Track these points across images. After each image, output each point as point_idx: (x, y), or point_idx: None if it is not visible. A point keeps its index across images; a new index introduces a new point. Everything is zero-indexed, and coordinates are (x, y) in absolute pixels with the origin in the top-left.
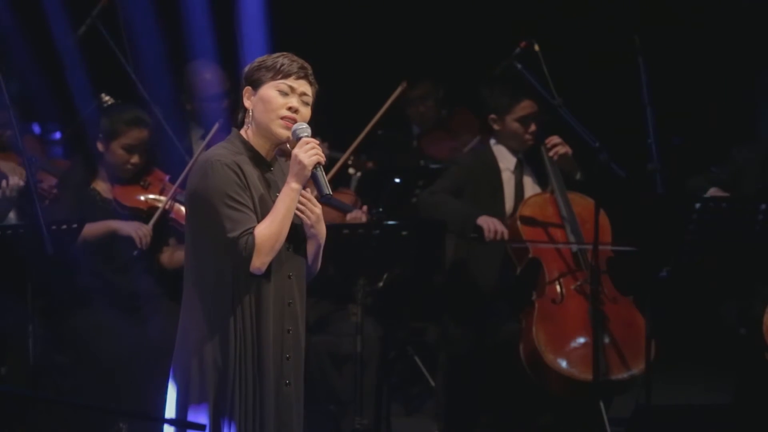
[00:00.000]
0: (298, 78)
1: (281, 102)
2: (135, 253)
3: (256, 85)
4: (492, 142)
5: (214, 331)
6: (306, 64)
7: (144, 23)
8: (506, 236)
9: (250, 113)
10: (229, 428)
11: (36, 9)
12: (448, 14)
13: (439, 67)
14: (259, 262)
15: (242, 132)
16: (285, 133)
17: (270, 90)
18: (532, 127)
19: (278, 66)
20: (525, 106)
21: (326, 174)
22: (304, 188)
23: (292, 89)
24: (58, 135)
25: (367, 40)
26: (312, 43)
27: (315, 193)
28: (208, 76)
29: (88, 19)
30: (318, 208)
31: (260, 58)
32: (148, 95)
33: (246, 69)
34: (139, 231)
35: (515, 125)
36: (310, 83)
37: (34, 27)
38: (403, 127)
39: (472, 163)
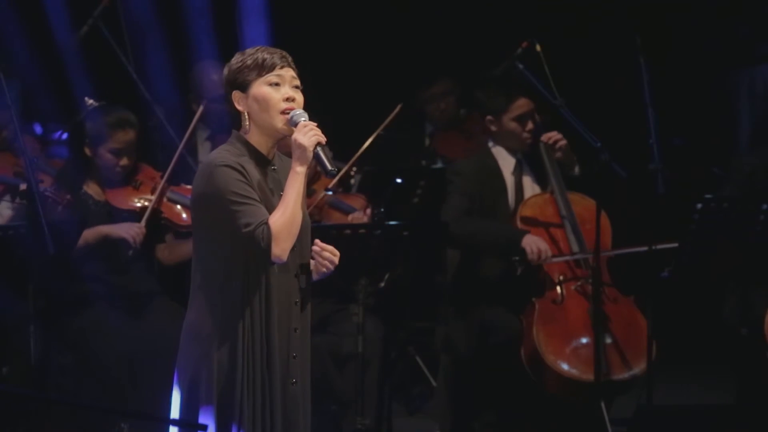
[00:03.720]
0: (283, 67)
1: (277, 96)
2: (130, 252)
3: (244, 87)
4: (490, 144)
5: (222, 332)
6: (285, 52)
7: (145, 23)
8: (549, 254)
9: (246, 116)
10: (238, 429)
11: (38, 9)
12: (458, 15)
13: (454, 68)
14: (279, 250)
15: (242, 134)
16: (289, 127)
17: (261, 87)
18: (530, 125)
19: (260, 62)
20: (521, 105)
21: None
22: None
23: (282, 79)
24: (59, 135)
25: (371, 40)
26: (313, 43)
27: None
28: (215, 77)
29: (89, 19)
30: (336, 257)
31: (236, 60)
32: (150, 95)
33: (225, 74)
34: (130, 231)
35: (512, 124)
36: (293, 68)
37: (35, 27)
38: (415, 125)
39: (475, 169)
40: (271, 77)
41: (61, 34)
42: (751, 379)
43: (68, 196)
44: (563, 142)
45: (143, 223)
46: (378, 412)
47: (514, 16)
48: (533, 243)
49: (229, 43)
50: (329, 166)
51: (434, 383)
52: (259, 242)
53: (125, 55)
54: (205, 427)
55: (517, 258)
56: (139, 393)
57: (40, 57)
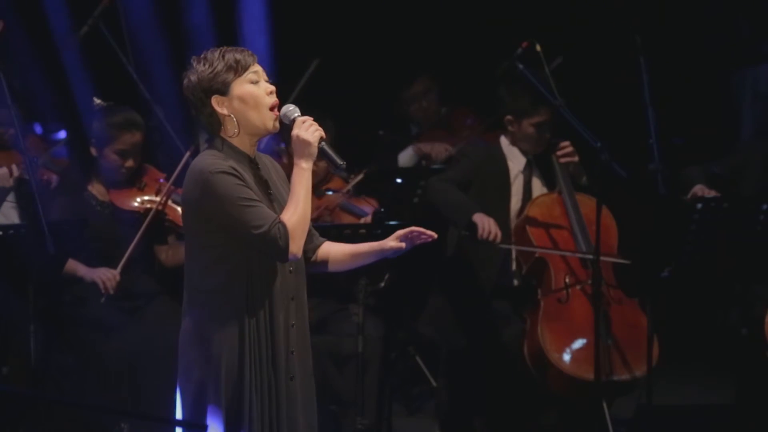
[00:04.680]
0: (254, 63)
1: (261, 92)
2: (102, 300)
3: (222, 90)
4: (505, 142)
5: (227, 333)
6: (248, 50)
7: (145, 23)
8: (499, 238)
9: (233, 118)
10: (247, 427)
11: (38, 9)
12: (451, 13)
13: (440, 65)
14: (295, 248)
15: (226, 137)
16: (277, 124)
17: (243, 87)
18: (547, 134)
19: (233, 62)
20: (543, 113)
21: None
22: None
23: (258, 75)
24: (60, 135)
25: (370, 39)
26: (313, 43)
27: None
28: None
29: (89, 19)
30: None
31: (203, 67)
32: (150, 95)
33: (194, 82)
34: (103, 277)
35: (531, 130)
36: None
37: (36, 27)
38: (400, 127)
39: (483, 158)
40: (250, 75)
41: (61, 34)
42: (751, 379)
43: (55, 176)
44: (570, 158)
45: (119, 268)
46: (378, 412)
47: (514, 16)
48: (486, 221)
49: (228, 44)
50: (338, 160)
51: (434, 383)
52: (276, 241)
53: (125, 55)
54: (205, 426)
55: (467, 233)
56: (139, 393)
57: (41, 57)
